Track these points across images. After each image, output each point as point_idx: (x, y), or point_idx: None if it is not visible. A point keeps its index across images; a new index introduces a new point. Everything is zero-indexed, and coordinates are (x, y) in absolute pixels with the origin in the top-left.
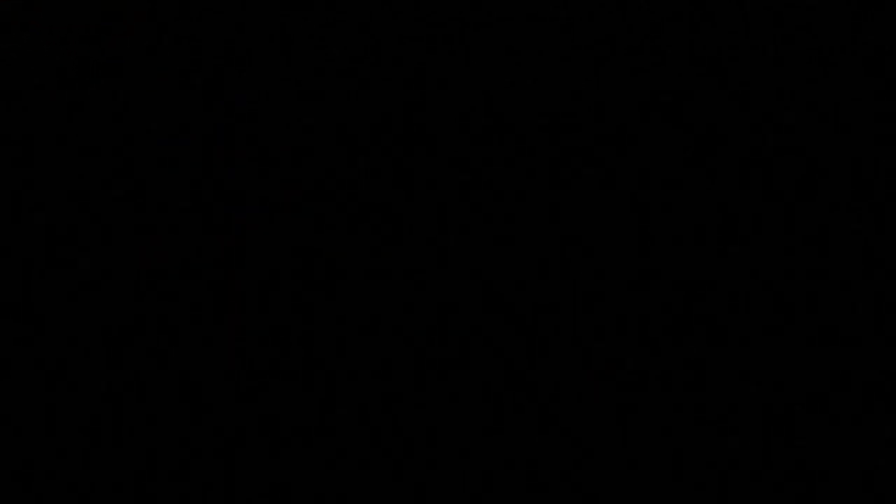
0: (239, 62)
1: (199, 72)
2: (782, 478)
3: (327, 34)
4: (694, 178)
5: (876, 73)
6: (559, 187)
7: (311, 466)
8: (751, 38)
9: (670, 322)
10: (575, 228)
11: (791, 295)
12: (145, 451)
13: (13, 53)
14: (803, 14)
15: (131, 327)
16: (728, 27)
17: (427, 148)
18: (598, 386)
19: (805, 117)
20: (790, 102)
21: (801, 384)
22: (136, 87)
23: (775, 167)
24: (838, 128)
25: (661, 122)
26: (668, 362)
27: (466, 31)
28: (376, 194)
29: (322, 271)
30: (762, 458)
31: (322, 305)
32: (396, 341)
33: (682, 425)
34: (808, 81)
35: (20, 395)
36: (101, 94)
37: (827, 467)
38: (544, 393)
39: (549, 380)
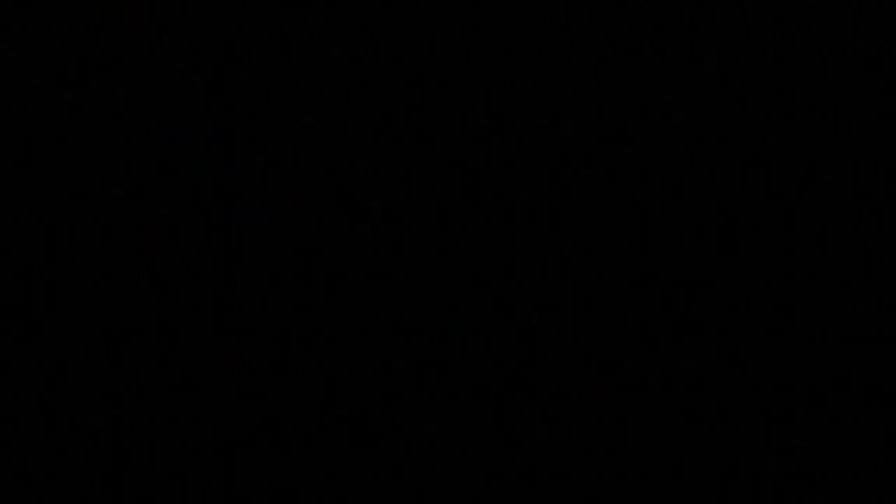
0: (239, 62)
1: (199, 72)
2: (782, 478)
3: (327, 34)
4: (694, 178)
5: (876, 73)
6: (559, 187)
7: (309, 467)
8: (750, 38)
9: (670, 322)
10: (574, 228)
11: (791, 295)
12: (144, 451)
13: (13, 53)
14: (803, 14)
15: (130, 327)
16: (728, 27)
17: (427, 148)
18: (597, 386)
19: (805, 117)
20: (790, 102)
21: (801, 384)
22: (135, 86)
23: (775, 167)
24: (838, 128)
25: (660, 123)
26: (667, 362)
27: (466, 31)
28: (375, 194)
29: (321, 271)
30: (762, 458)
31: (321, 305)
32: (395, 341)
33: (681, 425)
34: (807, 81)
35: (20, 396)
36: (100, 94)
37: (827, 467)
38: (544, 393)
39: (549, 380)
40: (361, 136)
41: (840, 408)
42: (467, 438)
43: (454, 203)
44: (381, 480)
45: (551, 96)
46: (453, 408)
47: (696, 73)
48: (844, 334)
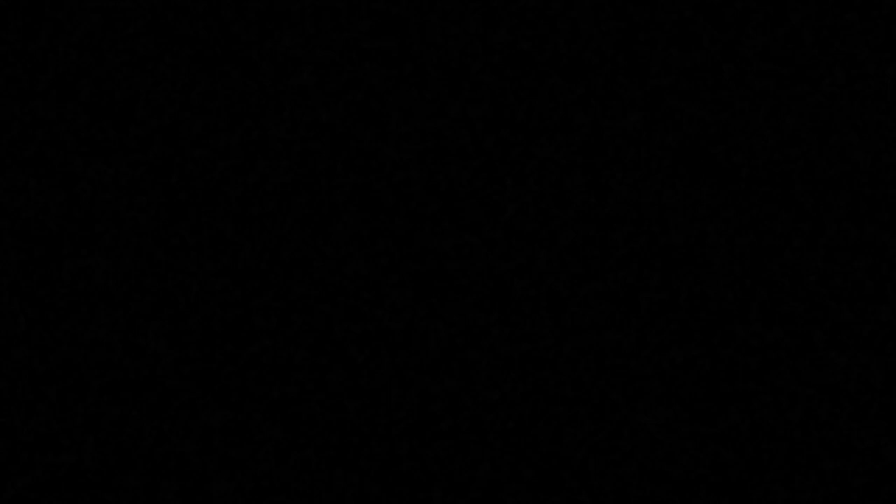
0: (238, 61)
1: (199, 71)
2: (783, 478)
3: (326, 33)
4: (694, 177)
5: (876, 72)
6: (558, 187)
7: (310, 466)
8: (750, 37)
9: (670, 322)
10: (574, 228)
11: (790, 294)
12: (144, 450)
13: (13, 54)
14: (803, 14)
15: (130, 327)
16: (728, 27)
17: (426, 147)
18: (597, 385)
19: (805, 117)
20: (790, 102)
21: (801, 383)
22: (135, 86)
23: (775, 167)
24: (838, 128)
25: (660, 122)
26: (667, 362)
27: (464, 31)
28: (375, 193)
29: (320, 271)
30: (762, 457)
31: (320, 305)
32: (395, 341)
33: (681, 425)
34: (808, 81)
35: (20, 395)
36: (100, 94)
37: (827, 467)
38: (544, 392)
39: (549, 379)
40: (360, 136)
41: (840, 408)
42: (467, 438)
43: (453, 202)
44: (380, 480)
45: (550, 96)
46: (453, 407)
47: (695, 73)
48: (843, 334)
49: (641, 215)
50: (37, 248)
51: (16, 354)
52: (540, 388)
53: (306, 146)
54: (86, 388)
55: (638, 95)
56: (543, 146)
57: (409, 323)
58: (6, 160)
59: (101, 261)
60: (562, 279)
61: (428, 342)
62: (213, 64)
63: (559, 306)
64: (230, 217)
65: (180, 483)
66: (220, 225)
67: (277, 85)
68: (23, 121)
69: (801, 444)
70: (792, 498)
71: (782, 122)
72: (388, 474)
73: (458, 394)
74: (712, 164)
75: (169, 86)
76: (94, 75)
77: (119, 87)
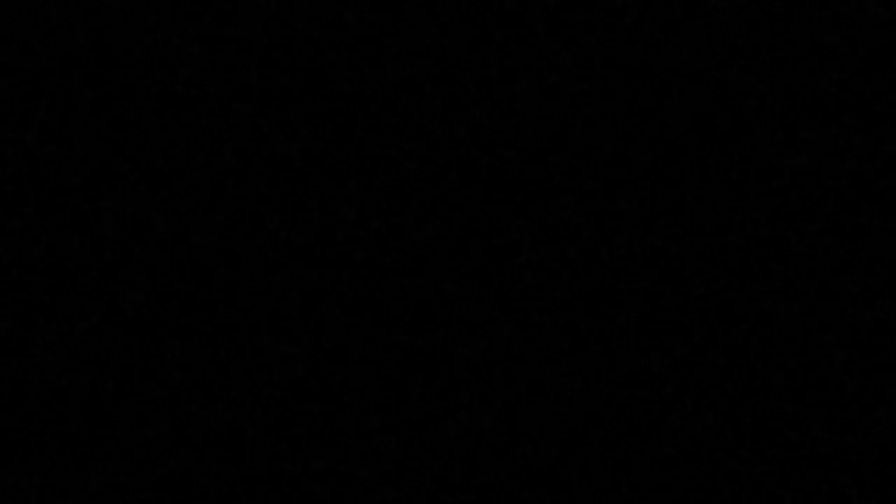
0: (237, 61)
1: (197, 72)
2: (781, 478)
3: (326, 33)
4: (693, 177)
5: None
6: (557, 187)
7: (308, 466)
8: (749, 38)
9: (669, 322)
10: (572, 228)
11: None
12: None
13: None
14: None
15: (129, 326)
16: (727, 27)
17: (425, 148)
18: (596, 386)
19: (804, 117)
20: (789, 102)
21: (801, 384)
22: (134, 86)
23: (774, 167)
24: (838, 128)
25: (659, 122)
26: (667, 362)
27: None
28: (374, 193)
29: (319, 270)
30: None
31: (319, 305)
32: (394, 341)
33: (681, 425)
34: (807, 81)
35: (19, 395)
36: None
37: (827, 467)
38: (543, 393)
39: (547, 380)
40: (358, 136)
41: (839, 408)
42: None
43: (451, 203)
44: (378, 480)
45: (549, 96)
46: (451, 408)
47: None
48: (844, 334)
49: (641, 215)
50: (37, 247)
51: (16, 354)
52: (539, 388)
53: (306, 146)
54: (85, 388)
55: (637, 95)
56: (543, 146)
57: (409, 323)
58: (6, 160)
59: (102, 260)
60: (561, 279)
61: (427, 342)
62: (212, 63)
63: (559, 306)
64: (229, 217)
65: (180, 483)
66: (218, 224)
67: (277, 84)
68: (23, 120)
69: (800, 444)
70: (791, 498)
71: (782, 122)
72: (388, 474)
73: (457, 394)
74: (712, 163)
75: (169, 85)
76: (93, 75)
77: (119, 86)
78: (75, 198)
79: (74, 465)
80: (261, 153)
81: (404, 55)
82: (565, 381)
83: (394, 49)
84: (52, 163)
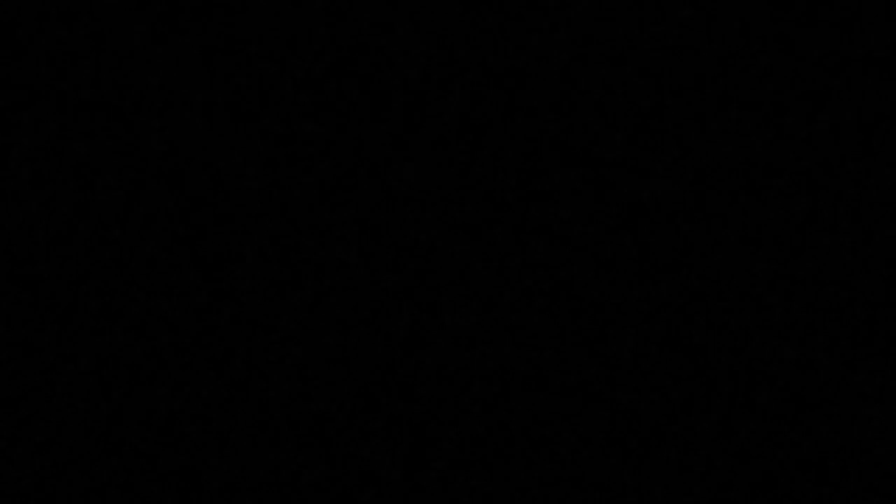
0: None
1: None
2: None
3: (324, 34)
4: (693, 178)
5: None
6: (556, 188)
7: (308, 466)
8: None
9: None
10: (572, 229)
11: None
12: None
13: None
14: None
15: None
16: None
17: (424, 148)
18: (596, 386)
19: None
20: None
21: (800, 384)
22: (132, 86)
23: (774, 167)
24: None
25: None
26: (666, 363)
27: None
28: (373, 194)
29: (318, 271)
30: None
31: (317, 306)
32: (393, 341)
33: (680, 425)
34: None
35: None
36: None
37: (826, 467)
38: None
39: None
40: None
41: (839, 408)
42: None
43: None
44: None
45: (548, 97)
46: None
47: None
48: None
49: (640, 215)
50: (37, 247)
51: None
52: (538, 389)
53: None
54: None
55: (636, 95)
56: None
57: (408, 323)
58: (6, 160)
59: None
60: (560, 280)
61: (426, 342)
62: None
63: (557, 306)
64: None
65: (180, 483)
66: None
67: (276, 85)
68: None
69: (800, 445)
70: (791, 498)
71: (781, 122)
72: (387, 474)
73: (456, 394)
74: (711, 164)
75: (167, 86)
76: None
77: (118, 87)
78: (75, 198)
79: (74, 466)
80: (260, 153)
81: (403, 55)
82: (565, 382)
83: (393, 49)
84: (52, 163)
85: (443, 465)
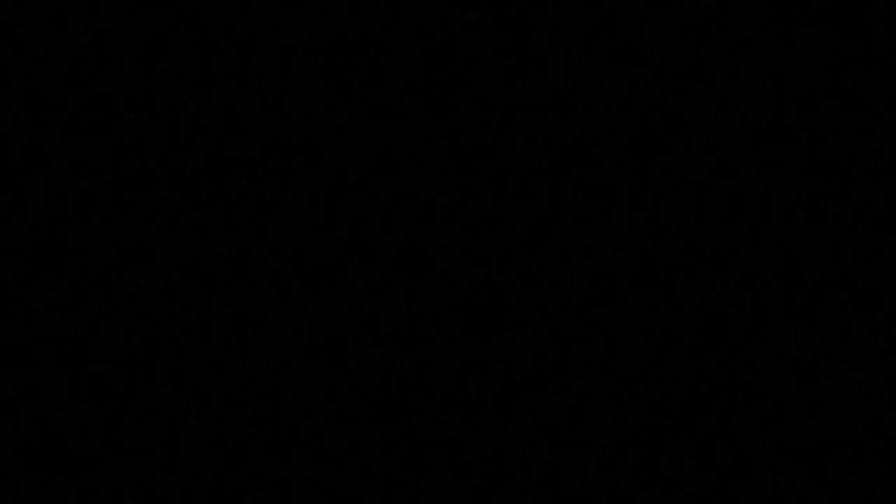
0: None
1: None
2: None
3: (324, 33)
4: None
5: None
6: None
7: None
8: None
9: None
10: (572, 229)
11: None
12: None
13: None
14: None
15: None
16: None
17: (424, 148)
18: (596, 386)
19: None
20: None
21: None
22: (132, 86)
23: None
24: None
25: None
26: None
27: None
28: (372, 194)
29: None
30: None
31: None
32: (393, 342)
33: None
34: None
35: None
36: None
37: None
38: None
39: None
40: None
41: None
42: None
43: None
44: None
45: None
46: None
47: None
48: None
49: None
50: (36, 248)
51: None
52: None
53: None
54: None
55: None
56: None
57: (407, 323)
58: (6, 160)
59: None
60: (559, 280)
61: (425, 343)
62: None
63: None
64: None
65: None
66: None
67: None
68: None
69: (799, 445)
70: (790, 498)
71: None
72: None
73: (455, 394)
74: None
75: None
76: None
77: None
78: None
79: (74, 465)
80: (260, 153)
81: (403, 54)
82: (564, 382)
83: (392, 49)
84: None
85: (443, 465)
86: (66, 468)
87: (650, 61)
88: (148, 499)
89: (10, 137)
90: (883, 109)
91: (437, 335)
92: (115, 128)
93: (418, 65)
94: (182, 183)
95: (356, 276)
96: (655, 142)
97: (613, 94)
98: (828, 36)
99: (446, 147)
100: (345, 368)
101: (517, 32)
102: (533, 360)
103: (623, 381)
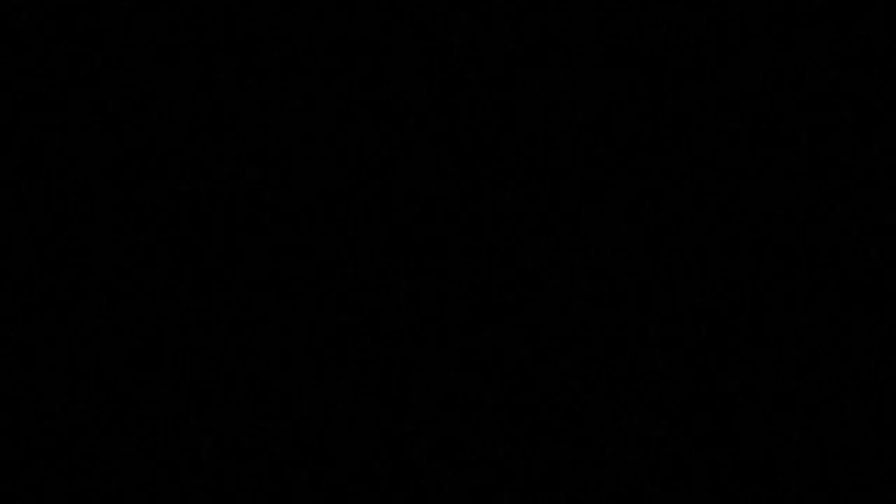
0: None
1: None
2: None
3: (323, 33)
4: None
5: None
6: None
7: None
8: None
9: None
10: (571, 230)
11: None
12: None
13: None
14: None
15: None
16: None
17: (423, 149)
18: (595, 387)
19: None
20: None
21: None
22: (132, 86)
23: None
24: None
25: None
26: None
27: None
28: (372, 195)
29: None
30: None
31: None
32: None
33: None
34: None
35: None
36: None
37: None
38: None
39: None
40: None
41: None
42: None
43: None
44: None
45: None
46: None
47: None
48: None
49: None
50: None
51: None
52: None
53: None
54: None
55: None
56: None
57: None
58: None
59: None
60: (559, 280)
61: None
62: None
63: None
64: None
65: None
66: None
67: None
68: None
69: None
70: (790, 498)
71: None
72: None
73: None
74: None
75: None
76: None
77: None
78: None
79: (74, 465)
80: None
81: (402, 55)
82: (564, 382)
83: (392, 49)
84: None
85: (443, 465)
86: (66, 468)
87: (650, 61)
88: (148, 499)
89: (11, 137)
90: (883, 109)
91: (437, 335)
92: (115, 128)
93: (418, 65)
94: (182, 183)
95: (356, 277)
96: (655, 142)
97: (613, 95)
98: (828, 36)
99: (446, 147)
100: (345, 368)
101: (517, 32)
102: (533, 360)
103: (623, 381)
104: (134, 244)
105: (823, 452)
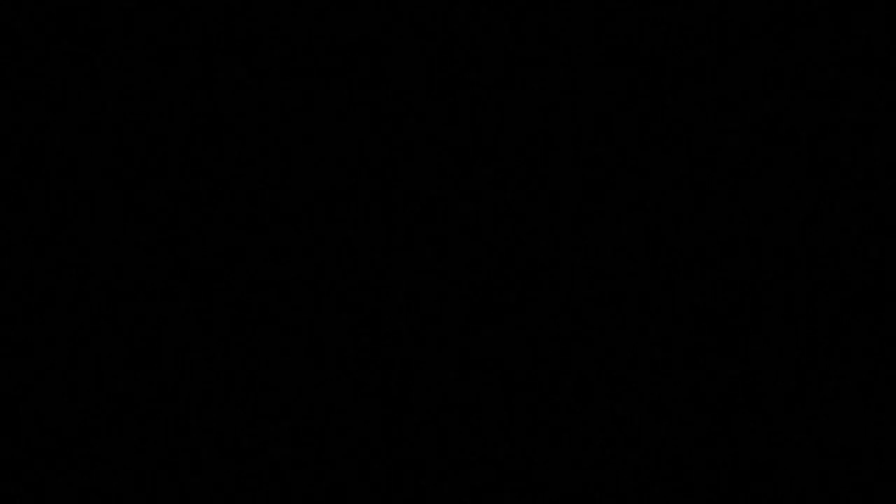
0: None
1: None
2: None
3: (323, 33)
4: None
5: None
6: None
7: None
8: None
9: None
10: (571, 230)
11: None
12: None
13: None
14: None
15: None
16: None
17: (423, 149)
18: (595, 387)
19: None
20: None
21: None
22: (132, 86)
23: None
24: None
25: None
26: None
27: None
28: (372, 195)
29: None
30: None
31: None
32: (393, 342)
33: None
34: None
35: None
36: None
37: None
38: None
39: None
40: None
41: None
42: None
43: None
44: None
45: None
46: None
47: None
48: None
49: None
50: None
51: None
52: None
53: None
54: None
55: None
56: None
57: (406, 323)
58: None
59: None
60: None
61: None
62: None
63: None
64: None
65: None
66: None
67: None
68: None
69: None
70: (789, 498)
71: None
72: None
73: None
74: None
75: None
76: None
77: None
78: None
79: (74, 466)
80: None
81: (402, 54)
82: (563, 382)
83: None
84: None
85: (443, 465)
86: (67, 468)
87: (650, 61)
88: (148, 499)
89: (10, 137)
90: (883, 109)
91: (436, 335)
92: (115, 127)
93: (418, 65)
94: (182, 182)
95: (356, 277)
96: (655, 141)
97: (613, 95)
98: (828, 36)
99: (446, 147)
100: (345, 369)
101: (517, 32)
102: (533, 361)
103: (623, 381)
104: (134, 244)
105: (823, 452)
